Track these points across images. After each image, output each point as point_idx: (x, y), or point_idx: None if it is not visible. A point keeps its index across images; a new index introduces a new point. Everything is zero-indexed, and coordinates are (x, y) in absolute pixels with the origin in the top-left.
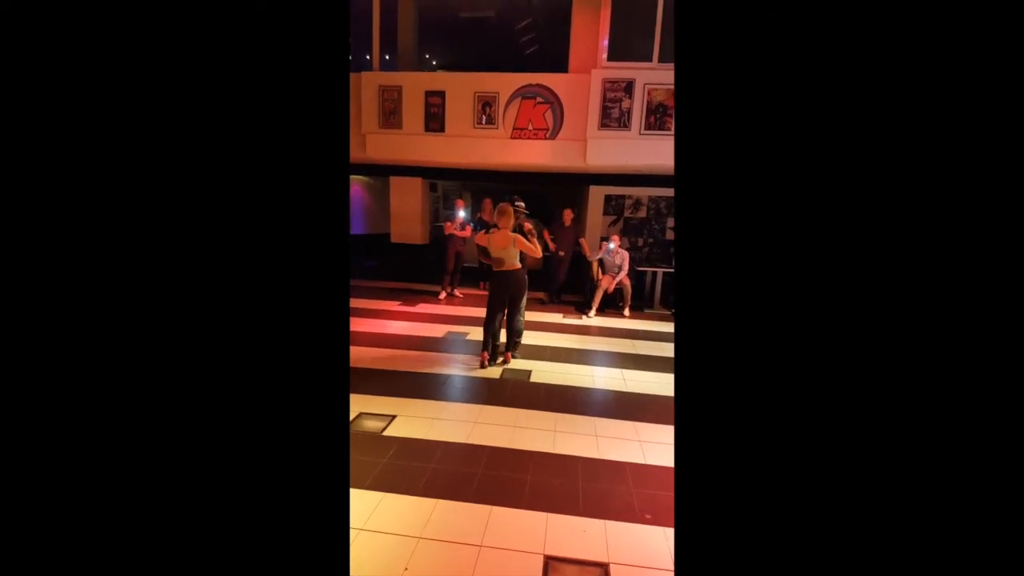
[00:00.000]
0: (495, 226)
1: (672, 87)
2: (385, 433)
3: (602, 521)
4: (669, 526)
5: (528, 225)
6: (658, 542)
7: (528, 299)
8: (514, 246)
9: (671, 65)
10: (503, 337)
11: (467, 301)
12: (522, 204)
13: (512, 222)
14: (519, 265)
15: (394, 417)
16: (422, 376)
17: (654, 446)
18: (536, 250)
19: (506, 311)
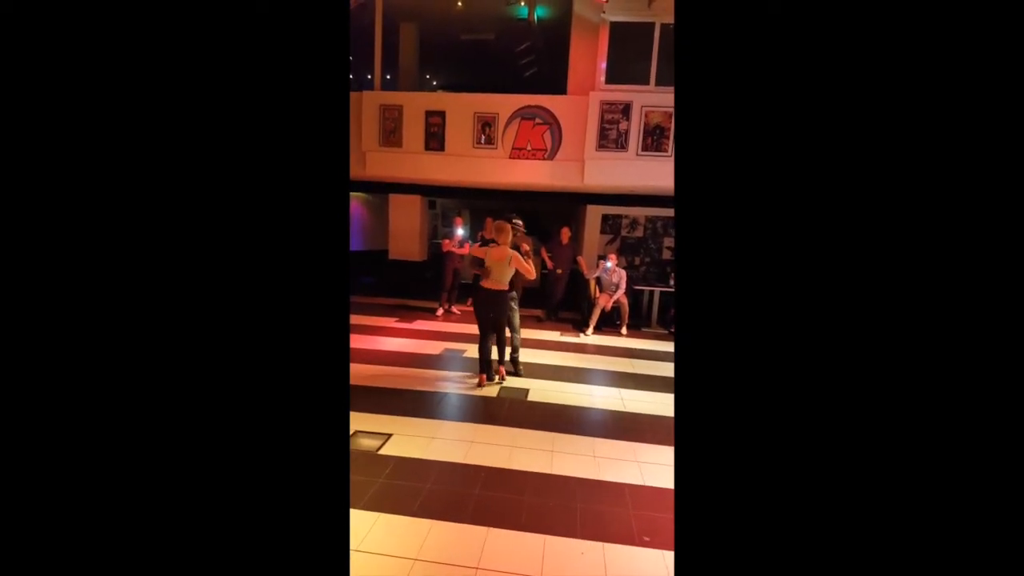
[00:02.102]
0: (495, 242)
1: (669, 110)
2: (380, 452)
3: (600, 544)
4: (668, 549)
5: (525, 247)
6: (656, 566)
7: (525, 316)
8: (509, 264)
9: (668, 88)
10: (495, 355)
11: (464, 318)
12: (520, 223)
13: (510, 239)
14: (506, 287)
15: (390, 436)
16: (419, 394)
17: (652, 467)
18: (530, 270)
19: (497, 332)
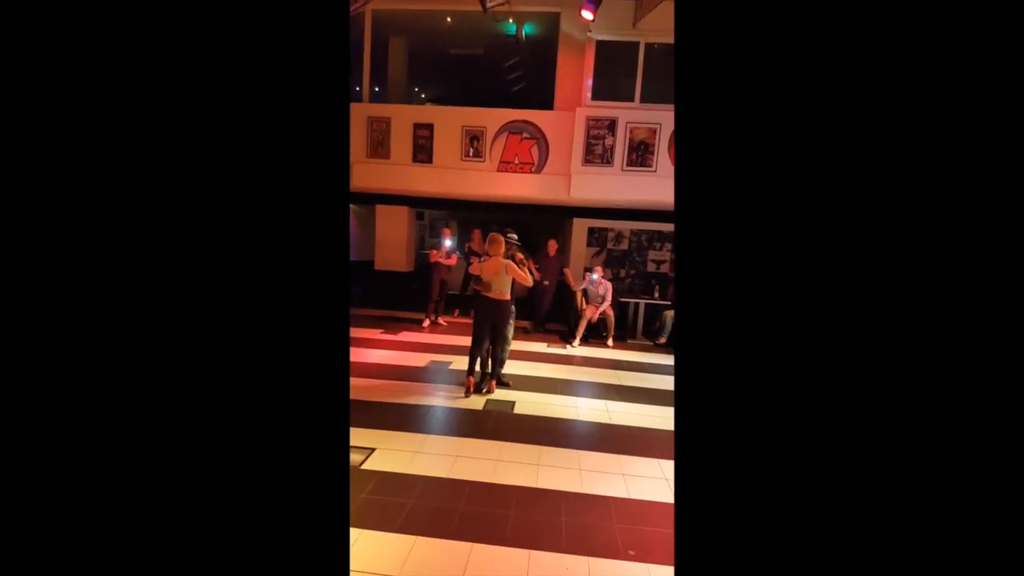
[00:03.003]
0: (487, 255)
1: (653, 126)
2: (363, 467)
3: (585, 558)
4: (652, 563)
5: (520, 255)
6: None
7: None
8: (505, 273)
9: (653, 105)
10: (489, 366)
11: (450, 329)
12: (514, 236)
13: (503, 250)
14: (508, 296)
15: (373, 450)
16: (403, 407)
17: (637, 480)
18: (526, 278)
19: (494, 342)
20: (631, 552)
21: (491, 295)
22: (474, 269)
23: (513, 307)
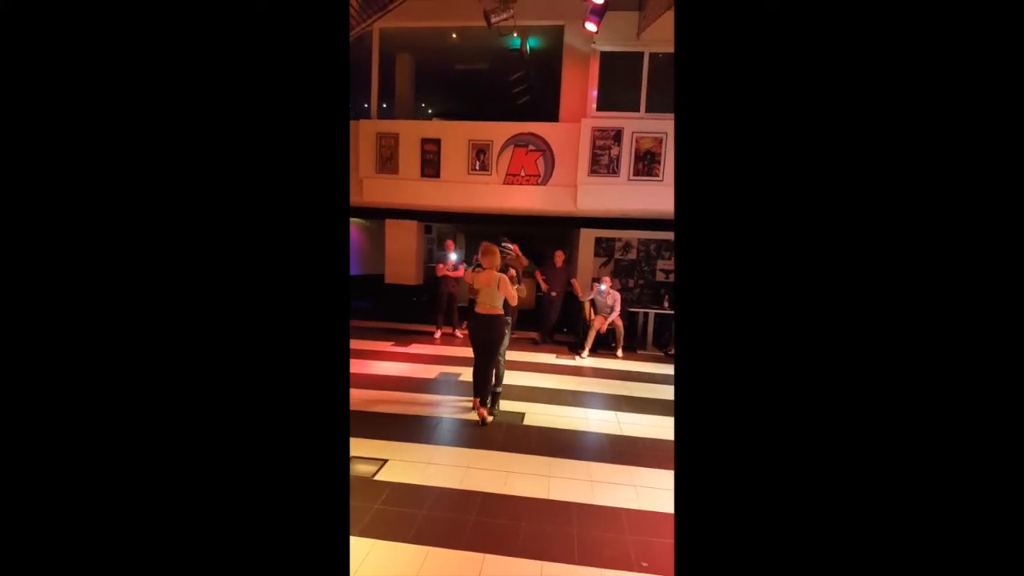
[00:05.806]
0: (480, 267)
1: (659, 135)
2: (376, 478)
3: (598, 570)
4: (665, 575)
5: (512, 271)
6: None
7: (521, 339)
8: (498, 287)
9: (658, 115)
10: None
11: (459, 341)
12: (509, 245)
13: (498, 261)
14: (499, 310)
15: (385, 461)
16: (414, 419)
17: (649, 491)
18: (513, 296)
19: (488, 359)
20: (644, 564)
21: (481, 309)
22: (467, 278)
23: (509, 319)
